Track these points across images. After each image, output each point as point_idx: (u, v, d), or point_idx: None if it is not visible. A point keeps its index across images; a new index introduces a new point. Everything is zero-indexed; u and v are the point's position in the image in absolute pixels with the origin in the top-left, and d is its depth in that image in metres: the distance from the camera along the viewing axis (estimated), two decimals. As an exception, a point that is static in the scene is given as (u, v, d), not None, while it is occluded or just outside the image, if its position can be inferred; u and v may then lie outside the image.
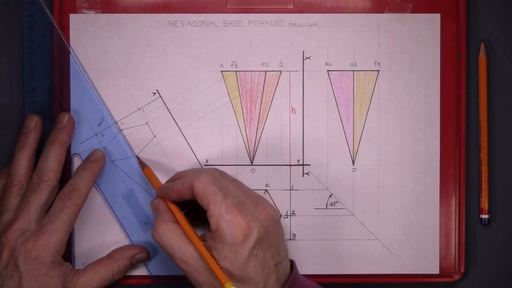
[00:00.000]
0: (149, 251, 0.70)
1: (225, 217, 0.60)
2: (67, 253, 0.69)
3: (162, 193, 0.65)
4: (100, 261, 0.69)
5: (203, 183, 0.61)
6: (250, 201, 0.62)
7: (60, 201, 0.66)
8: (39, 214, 0.65)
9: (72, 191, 0.66)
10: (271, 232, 0.62)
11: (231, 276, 0.60)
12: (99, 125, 0.70)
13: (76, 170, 0.68)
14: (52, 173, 0.66)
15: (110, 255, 0.69)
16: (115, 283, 0.69)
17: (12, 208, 0.66)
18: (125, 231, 0.71)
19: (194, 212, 0.66)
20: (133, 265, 0.70)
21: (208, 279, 0.61)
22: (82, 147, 0.71)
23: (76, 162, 0.71)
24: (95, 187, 0.71)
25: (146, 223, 0.71)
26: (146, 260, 0.70)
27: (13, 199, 0.66)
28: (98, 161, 0.69)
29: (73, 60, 0.70)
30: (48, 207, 0.66)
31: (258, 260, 0.61)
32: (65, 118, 0.69)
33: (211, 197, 0.61)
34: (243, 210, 0.61)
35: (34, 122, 0.68)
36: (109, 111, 0.71)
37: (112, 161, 0.71)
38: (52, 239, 0.64)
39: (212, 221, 0.61)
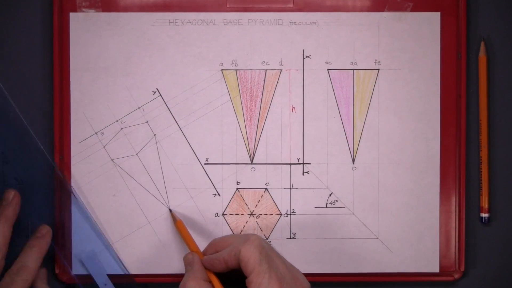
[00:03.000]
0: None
1: (266, 287, 0.61)
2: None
3: (208, 265, 0.66)
4: None
5: (250, 251, 0.62)
6: (290, 275, 0.63)
7: (9, 277, 0.66)
8: None
9: (21, 268, 0.67)
10: None
11: None
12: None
13: (24, 248, 0.68)
14: None
15: None
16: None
17: None
18: None
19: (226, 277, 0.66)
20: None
21: None
22: (82, 146, 0.71)
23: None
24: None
25: (105, 284, 0.71)
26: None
27: None
28: (44, 236, 0.69)
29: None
30: None
31: None
32: (10, 194, 0.68)
33: (257, 266, 0.61)
34: (283, 284, 0.61)
35: (12, 195, 0.68)
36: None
37: (112, 160, 0.71)
38: None
39: (253, 287, 0.61)
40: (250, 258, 0.61)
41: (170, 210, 0.72)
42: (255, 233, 0.72)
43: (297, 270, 0.65)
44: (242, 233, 0.72)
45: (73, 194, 0.71)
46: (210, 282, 0.64)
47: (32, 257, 0.67)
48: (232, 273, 0.64)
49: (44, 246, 0.69)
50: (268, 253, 0.63)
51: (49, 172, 0.71)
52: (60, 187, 0.71)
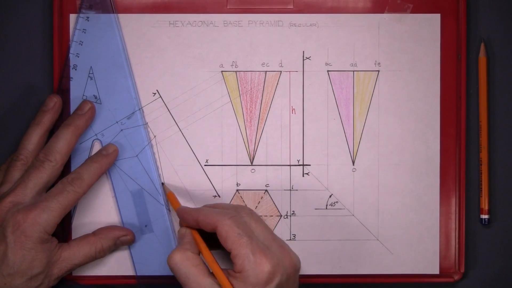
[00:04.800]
0: (135, 235, 0.70)
1: (251, 259, 0.60)
2: (65, 224, 0.70)
3: (180, 215, 0.66)
4: (85, 237, 0.69)
5: (227, 225, 0.61)
6: (276, 245, 0.63)
7: (62, 184, 0.66)
8: (36, 191, 0.65)
9: (76, 179, 0.66)
10: (291, 280, 0.63)
11: None
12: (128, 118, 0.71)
13: (85, 160, 0.68)
14: (58, 155, 0.66)
15: (96, 233, 0.69)
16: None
17: (12, 180, 0.66)
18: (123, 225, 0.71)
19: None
20: (117, 246, 0.70)
21: None
22: (82, 148, 0.71)
23: (96, 147, 0.71)
24: (107, 175, 0.71)
25: (146, 226, 0.71)
26: (131, 243, 0.70)
27: (15, 172, 0.66)
28: (109, 156, 0.69)
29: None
30: (47, 188, 0.66)
31: None
32: (87, 105, 0.69)
33: (236, 239, 0.61)
34: (268, 253, 0.61)
35: (53, 102, 0.69)
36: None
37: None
38: (43, 216, 0.63)
39: (238, 261, 0.61)
40: (228, 233, 0.61)
41: (163, 184, 0.72)
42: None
43: (285, 243, 0.64)
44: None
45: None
46: (199, 253, 0.64)
47: (89, 171, 0.67)
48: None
49: (106, 164, 0.68)
50: (247, 226, 0.62)
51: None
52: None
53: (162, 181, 0.72)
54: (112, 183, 0.71)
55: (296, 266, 0.63)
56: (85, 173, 0.67)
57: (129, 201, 0.71)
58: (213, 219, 0.62)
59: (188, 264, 0.62)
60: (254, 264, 0.60)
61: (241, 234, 0.61)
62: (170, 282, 0.71)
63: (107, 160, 0.69)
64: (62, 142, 0.67)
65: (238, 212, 0.64)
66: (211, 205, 0.67)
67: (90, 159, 0.68)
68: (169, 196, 0.70)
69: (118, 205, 0.71)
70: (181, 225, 0.67)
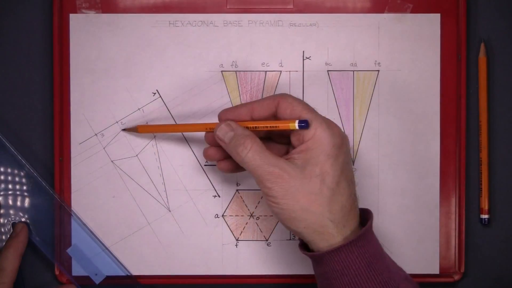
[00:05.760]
0: None
1: (322, 121, 0.59)
2: None
3: (228, 113, 0.63)
4: None
5: (290, 97, 0.61)
6: (337, 126, 0.62)
7: None
8: None
9: None
10: (349, 153, 0.62)
11: (326, 188, 0.59)
12: None
13: (1, 250, 0.69)
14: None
15: None
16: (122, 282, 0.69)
17: None
18: None
19: None
20: None
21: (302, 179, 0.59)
22: (82, 147, 0.71)
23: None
24: (107, 175, 0.71)
25: (96, 274, 0.71)
26: None
27: None
28: (18, 236, 0.69)
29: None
30: None
31: (350, 171, 0.61)
32: (18, 227, 0.70)
33: (304, 106, 0.60)
34: (339, 130, 0.61)
35: (19, 228, 0.70)
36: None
37: (112, 161, 0.71)
38: None
39: (312, 126, 0.59)
40: (293, 102, 0.61)
41: (125, 130, 0.71)
42: (255, 235, 0.72)
43: None
44: (241, 234, 0.72)
45: (72, 215, 0.71)
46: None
47: (7, 259, 0.68)
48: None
49: (20, 244, 0.69)
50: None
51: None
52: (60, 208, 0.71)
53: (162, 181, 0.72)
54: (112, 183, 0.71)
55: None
56: (4, 263, 0.67)
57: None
58: (271, 99, 0.61)
59: (259, 149, 0.60)
60: (327, 125, 0.59)
61: (306, 105, 0.61)
62: (170, 282, 0.71)
63: (19, 239, 0.69)
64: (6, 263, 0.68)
65: None
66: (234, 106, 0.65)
67: (4, 247, 0.69)
68: (143, 129, 0.69)
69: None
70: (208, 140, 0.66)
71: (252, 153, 0.60)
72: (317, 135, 0.59)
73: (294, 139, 0.61)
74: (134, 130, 0.70)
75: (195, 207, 0.72)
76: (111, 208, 0.72)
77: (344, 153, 0.60)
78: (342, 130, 0.62)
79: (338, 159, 0.59)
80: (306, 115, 0.60)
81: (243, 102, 0.72)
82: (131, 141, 0.72)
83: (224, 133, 0.62)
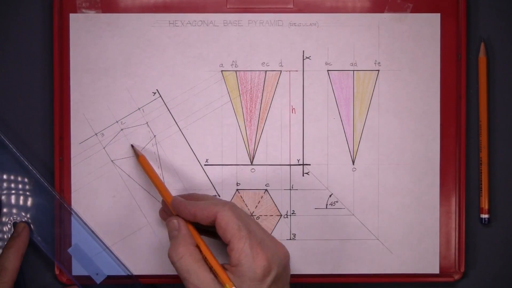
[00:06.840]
0: None
1: (248, 253, 0.61)
2: None
3: (175, 208, 0.65)
4: None
5: (227, 216, 0.62)
6: (268, 238, 0.64)
7: None
8: None
9: (0, 271, 0.67)
10: (286, 270, 0.64)
11: None
12: None
13: (2, 249, 0.69)
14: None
15: None
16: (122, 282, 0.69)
17: None
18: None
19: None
20: None
21: None
22: (82, 147, 0.71)
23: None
24: (107, 175, 0.71)
25: (97, 274, 0.71)
26: None
27: None
28: (20, 236, 0.70)
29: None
30: None
31: None
32: (19, 227, 0.70)
33: (236, 232, 0.61)
34: (264, 247, 0.62)
35: (21, 227, 0.70)
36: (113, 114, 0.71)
37: (112, 161, 0.71)
38: None
39: (234, 255, 0.61)
40: (228, 224, 0.61)
41: (132, 146, 0.71)
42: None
43: (273, 237, 0.65)
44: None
45: (72, 213, 0.71)
46: (197, 247, 0.63)
47: (9, 258, 0.68)
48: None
49: (21, 244, 0.69)
50: (245, 218, 0.63)
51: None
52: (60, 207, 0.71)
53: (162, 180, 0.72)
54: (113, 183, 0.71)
55: (288, 254, 0.65)
56: (6, 262, 0.68)
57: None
58: (212, 210, 0.62)
59: (190, 259, 0.62)
60: (252, 258, 0.61)
61: (241, 227, 0.61)
62: (170, 281, 0.71)
63: (21, 239, 0.69)
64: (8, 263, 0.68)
65: (234, 204, 0.64)
66: (201, 195, 0.68)
67: (6, 246, 0.69)
68: (142, 163, 0.70)
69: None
70: (168, 214, 0.67)
71: (182, 261, 0.62)
72: (240, 266, 0.61)
73: (228, 250, 0.62)
74: (137, 154, 0.70)
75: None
76: (111, 208, 0.72)
77: (267, 284, 0.61)
78: (273, 253, 0.62)
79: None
80: (234, 244, 0.61)
81: (243, 102, 0.72)
82: (131, 141, 0.72)
83: (170, 228, 0.65)
